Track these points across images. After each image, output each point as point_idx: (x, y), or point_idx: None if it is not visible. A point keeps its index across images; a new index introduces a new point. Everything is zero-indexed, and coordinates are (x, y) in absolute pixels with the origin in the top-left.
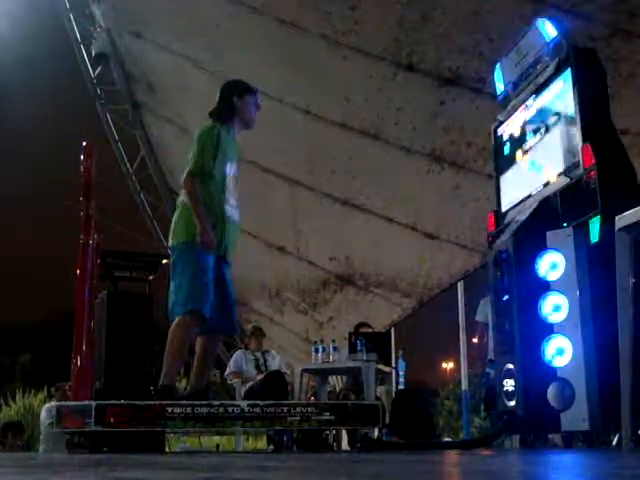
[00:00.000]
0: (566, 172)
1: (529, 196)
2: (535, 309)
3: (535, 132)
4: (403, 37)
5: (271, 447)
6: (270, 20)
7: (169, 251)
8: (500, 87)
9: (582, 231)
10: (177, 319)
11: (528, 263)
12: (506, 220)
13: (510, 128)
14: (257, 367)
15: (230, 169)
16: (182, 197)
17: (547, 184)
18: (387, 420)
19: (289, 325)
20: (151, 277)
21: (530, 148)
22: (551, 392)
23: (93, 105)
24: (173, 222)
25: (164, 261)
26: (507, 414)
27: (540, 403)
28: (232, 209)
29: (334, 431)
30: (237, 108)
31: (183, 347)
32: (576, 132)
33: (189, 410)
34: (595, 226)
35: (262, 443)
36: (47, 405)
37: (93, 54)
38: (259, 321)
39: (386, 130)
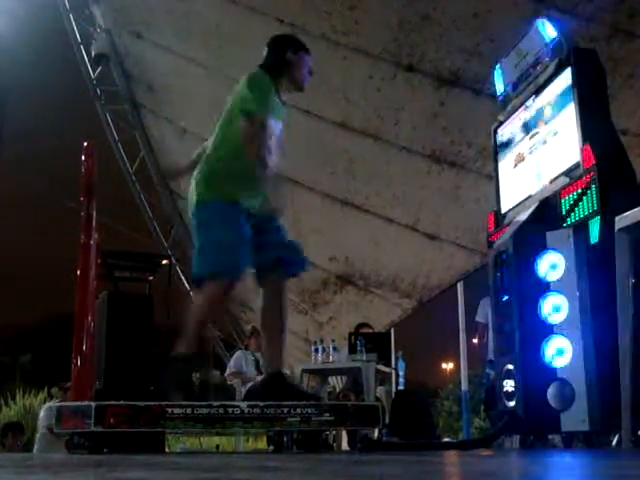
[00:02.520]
0: (566, 172)
1: (529, 197)
2: (535, 309)
3: (535, 133)
4: (403, 37)
5: (271, 448)
6: (270, 20)
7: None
8: (500, 87)
9: (582, 231)
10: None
11: (528, 263)
12: (506, 221)
13: (510, 128)
14: (257, 368)
15: (276, 127)
16: (219, 150)
17: (547, 184)
18: (387, 420)
19: (289, 325)
20: (151, 278)
21: (530, 148)
22: (551, 392)
23: (93, 105)
24: (208, 176)
25: (164, 261)
26: (507, 414)
27: (540, 403)
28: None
29: (334, 432)
30: (290, 64)
31: None
32: (576, 132)
33: (189, 411)
34: (595, 226)
35: (262, 444)
36: (46, 405)
37: (93, 54)
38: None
39: (386, 130)
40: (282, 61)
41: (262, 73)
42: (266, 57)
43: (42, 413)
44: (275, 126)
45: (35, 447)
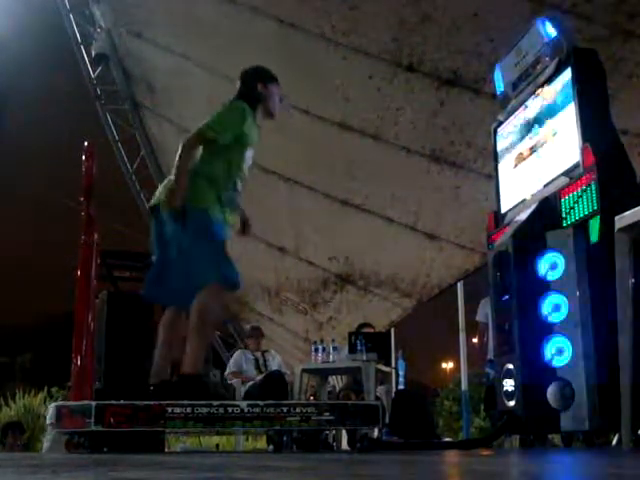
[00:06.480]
0: (566, 172)
1: (529, 197)
2: (535, 309)
3: (535, 132)
4: (403, 37)
5: (271, 447)
6: (269, 20)
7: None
8: (500, 87)
9: (582, 231)
10: (211, 287)
11: (528, 263)
12: (506, 220)
13: (510, 128)
14: (257, 367)
15: (249, 155)
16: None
17: (547, 184)
18: (387, 420)
19: (289, 325)
20: None
21: (530, 148)
22: (551, 392)
23: (93, 105)
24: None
25: None
26: (507, 414)
27: (540, 403)
28: (237, 195)
29: (334, 431)
30: (262, 96)
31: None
32: (576, 132)
33: (189, 410)
34: (595, 226)
35: (262, 443)
36: (53, 404)
37: (93, 54)
38: (259, 321)
39: (386, 130)
40: (255, 93)
41: (237, 102)
42: (239, 90)
43: (50, 412)
44: (248, 154)
45: (44, 447)
